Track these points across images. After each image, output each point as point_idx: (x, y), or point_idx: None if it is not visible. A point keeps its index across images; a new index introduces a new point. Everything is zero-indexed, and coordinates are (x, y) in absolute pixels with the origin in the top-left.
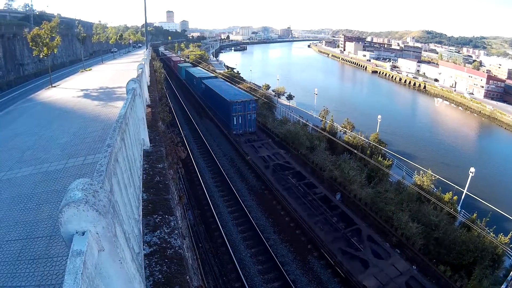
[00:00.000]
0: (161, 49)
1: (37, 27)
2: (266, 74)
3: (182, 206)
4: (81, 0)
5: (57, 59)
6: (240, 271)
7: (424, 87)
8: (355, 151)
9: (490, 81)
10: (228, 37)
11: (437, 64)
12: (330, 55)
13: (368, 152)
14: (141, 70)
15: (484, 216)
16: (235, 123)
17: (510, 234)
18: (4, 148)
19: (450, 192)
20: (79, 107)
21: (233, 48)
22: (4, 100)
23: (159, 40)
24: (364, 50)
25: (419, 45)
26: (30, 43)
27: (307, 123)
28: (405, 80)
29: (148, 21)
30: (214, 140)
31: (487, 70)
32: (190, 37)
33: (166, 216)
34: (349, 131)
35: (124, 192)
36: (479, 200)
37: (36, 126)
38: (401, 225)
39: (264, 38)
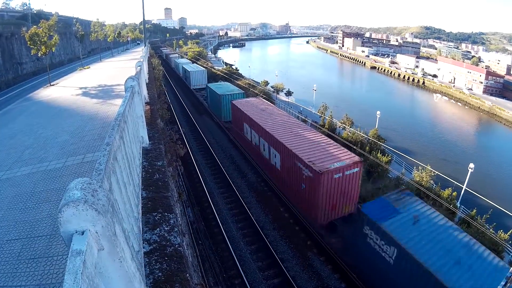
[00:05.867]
0: (176, 57)
1: (35, 26)
2: (264, 71)
3: (181, 203)
4: None
5: (55, 57)
6: (240, 268)
7: (423, 82)
8: (354, 147)
9: (489, 76)
10: (226, 33)
11: (436, 59)
12: (328, 51)
13: (367, 148)
14: (139, 67)
15: (483, 212)
16: None
17: (510, 231)
18: (3, 147)
19: (450, 188)
20: (78, 105)
21: (231, 45)
22: (2, 99)
23: (158, 37)
24: (363, 46)
25: (417, 41)
26: (28, 42)
27: (306, 119)
28: (404, 76)
29: (146, 19)
30: (213, 137)
31: (486, 66)
32: (189, 34)
33: (166, 213)
34: (348, 127)
35: (124, 191)
36: (479, 196)
37: (35, 124)
38: None
39: (262, 34)
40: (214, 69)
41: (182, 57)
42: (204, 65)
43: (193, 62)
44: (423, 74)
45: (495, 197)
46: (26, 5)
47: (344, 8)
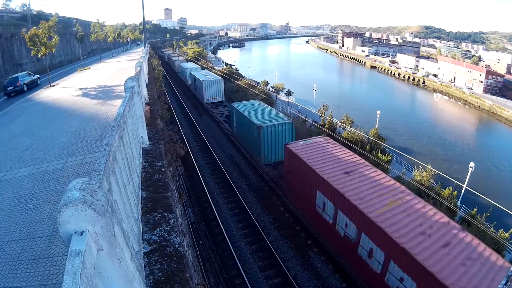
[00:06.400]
0: (181, 60)
1: (35, 27)
2: (264, 71)
3: (182, 204)
4: None
5: (55, 58)
6: (240, 268)
7: (423, 82)
8: (355, 147)
9: (489, 76)
10: (226, 34)
11: (436, 59)
12: (328, 51)
13: (367, 147)
14: (139, 68)
15: (484, 211)
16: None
17: (511, 230)
18: (4, 148)
19: (450, 187)
20: (78, 106)
21: (231, 45)
22: (2, 100)
23: (157, 37)
24: (363, 45)
25: (417, 40)
26: (28, 43)
27: (307, 119)
28: (404, 75)
29: (146, 19)
30: (213, 137)
31: (486, 65)
32: (189, 34)
33: (166, 214)
34: (348, 127)
35: (123, 191)
36: (479, 195)
37: (35, 125)
38: None
39: (262, 34)
40: (214, 69)
41: (188, 61)
42: (204, 65)
43: (203, 69)
44: (427, 75)
45: (495, 196)
46: (26, 6)
47: (344, 8)
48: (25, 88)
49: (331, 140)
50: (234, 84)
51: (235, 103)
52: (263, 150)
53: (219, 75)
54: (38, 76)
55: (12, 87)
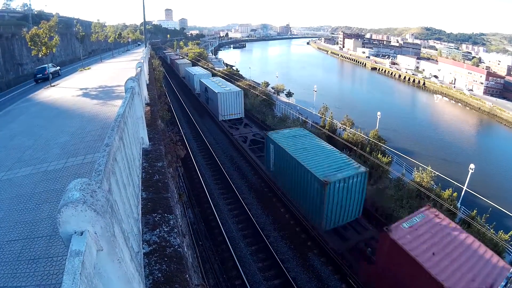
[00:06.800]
0: (187, 64)
1: (35, 27)
2: (265, 72)
3: (182, 204)
4: None
5: (56, 58)
6: (240, 269)
7: (424, 83)
8: (355, 148)
9: (490, 77)
10: (227, 34)
11: (436, 60)
12: (329, 52)
13: (367, 149)
14: (139, 68)
15: (484, 213)
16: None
17: (511, 232)
18: (4, 148)
19: (450, 189)
20: (78, 106)
21: (232, 46)
22: (3, 100)
23: (158, 38)
24: (363, 47)
25: (418, 41)
26: (29, 43)
27: (307, 120)
28: (405, 77)
29: (146, 19)
30: (213, 138)
31: (486, 66)
32: (189, 35)
33: (166, 214)
34: (349, 128)
35: (123, 191)
36: (479, 197)
37: (36, 125)
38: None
39: (263, 35)
40: (215, 70)
41: (193, 64)
42: (205, 66)
43: (213, 75)
44: (429, 77)
45: (495, 197)
46: (27, 5)
47: (344, 9)
48: (51, 76)
49: (441, 214)
50: (235, 85)
51: (272, 133)
52: (326, 212)
53: (223, 77)
54: (60, 67)
55: (41, 75)
